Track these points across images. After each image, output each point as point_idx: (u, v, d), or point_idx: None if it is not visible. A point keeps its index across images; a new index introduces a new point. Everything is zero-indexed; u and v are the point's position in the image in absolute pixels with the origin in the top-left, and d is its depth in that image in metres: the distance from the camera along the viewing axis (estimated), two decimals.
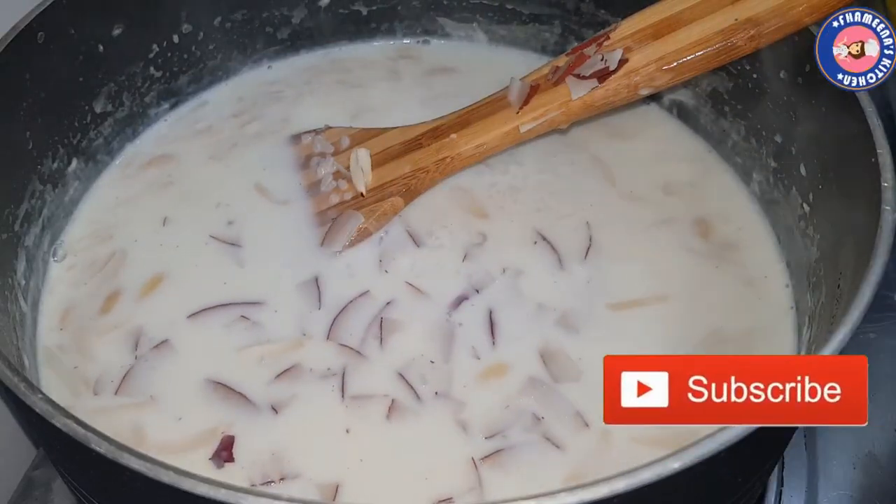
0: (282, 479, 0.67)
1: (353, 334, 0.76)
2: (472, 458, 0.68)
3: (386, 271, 0.80)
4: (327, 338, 0.75)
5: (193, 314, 0.77)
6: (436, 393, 0.72)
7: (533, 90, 0.84)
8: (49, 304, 0.80)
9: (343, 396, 0.72)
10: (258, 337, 0.76)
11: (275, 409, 0.71)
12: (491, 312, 0.77)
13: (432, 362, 0.74)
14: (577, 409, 0.70)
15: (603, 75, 0.80)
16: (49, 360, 0.76)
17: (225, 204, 0.86)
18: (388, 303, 0.78)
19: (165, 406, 0.72)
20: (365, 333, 0.76)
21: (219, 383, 0.72)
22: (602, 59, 0.81)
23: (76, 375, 0.74)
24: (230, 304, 0.78)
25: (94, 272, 0.82)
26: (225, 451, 0.68)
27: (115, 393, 0.73)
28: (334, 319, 0.76)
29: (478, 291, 0.79)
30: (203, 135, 0.94)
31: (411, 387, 0.72)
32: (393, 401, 0.71)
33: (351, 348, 0.75)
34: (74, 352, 0.76)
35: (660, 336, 0.76)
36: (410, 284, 0.79)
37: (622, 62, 0.80)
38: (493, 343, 0.75)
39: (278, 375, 0.73)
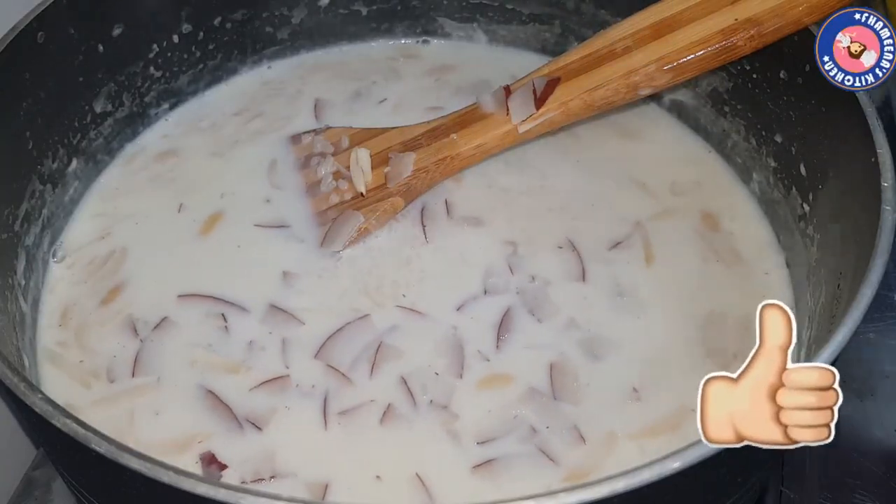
0: (272, 477, 0.68)
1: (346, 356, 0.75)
2: (465, 466, 0.68)
3: (404, 262, 0.81)
4: (314, 356, 0.75)
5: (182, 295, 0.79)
6: (430, 401, 0.72)
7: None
8: (50, 303, 0.80)
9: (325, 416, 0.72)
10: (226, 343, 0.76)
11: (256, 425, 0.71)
12: (502, 319, 0.77)
13: (437, 374, 0.74)
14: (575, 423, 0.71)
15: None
16: (52, 359, 0.76)
17: (230, 194, 0.87)
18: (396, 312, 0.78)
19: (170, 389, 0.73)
20: (361, 353, 0.75)
21: (209, 391, 0.73)
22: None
23: (83, 369, 0.75)
24: (215, 297, 0.79)
25: (94, 269, 0.82)
26: (214, 465, 0.68)
27: (133, 375, 0.74)
28: (326, 340, 0.76)
29: (495, 295, 0.78)
30: (206, 132, 0.94)
31: (411, 393, 0.72)
32: (389, 405, 0.71)
33: (338, 370, 0.74)
34: (76, 347, 0.76)
35: (661, 326, 0.77)
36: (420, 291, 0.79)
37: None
38: (498, 349, 0.75)
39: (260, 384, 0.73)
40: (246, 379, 0.73)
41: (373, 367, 0.74)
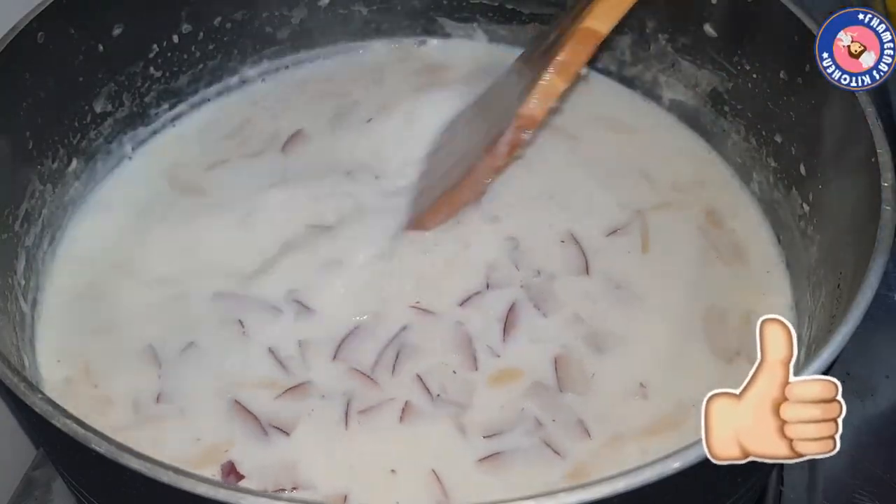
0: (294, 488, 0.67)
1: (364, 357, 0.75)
2: (472, 461, 0.68)
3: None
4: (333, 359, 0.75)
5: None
6: (437, 395, 0.72)
7: None
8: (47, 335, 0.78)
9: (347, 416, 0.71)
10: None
11: (283, 431, 0.70)
12: (508, 314, 0.77)
13: (455, 372, 0.74)
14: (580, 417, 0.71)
15: None
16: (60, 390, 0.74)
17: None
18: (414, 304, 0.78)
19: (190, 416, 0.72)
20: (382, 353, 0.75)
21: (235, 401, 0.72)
22: None
23: (97, 396, 0.73)
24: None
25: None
26: (232, 475, 0.68)
27: (157, 401, 0.73)
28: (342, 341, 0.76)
29: (499, 290, 0.78)
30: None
31: (428, 391, 0.72)
32: (406, 402, 0.72)
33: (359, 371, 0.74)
34: (86, 382, 0.75)
35: (663, 321, 0.77)
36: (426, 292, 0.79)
37: None
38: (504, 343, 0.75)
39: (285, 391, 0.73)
40: (271, 387, 0.73)
41: (394, 367, 0.74)
